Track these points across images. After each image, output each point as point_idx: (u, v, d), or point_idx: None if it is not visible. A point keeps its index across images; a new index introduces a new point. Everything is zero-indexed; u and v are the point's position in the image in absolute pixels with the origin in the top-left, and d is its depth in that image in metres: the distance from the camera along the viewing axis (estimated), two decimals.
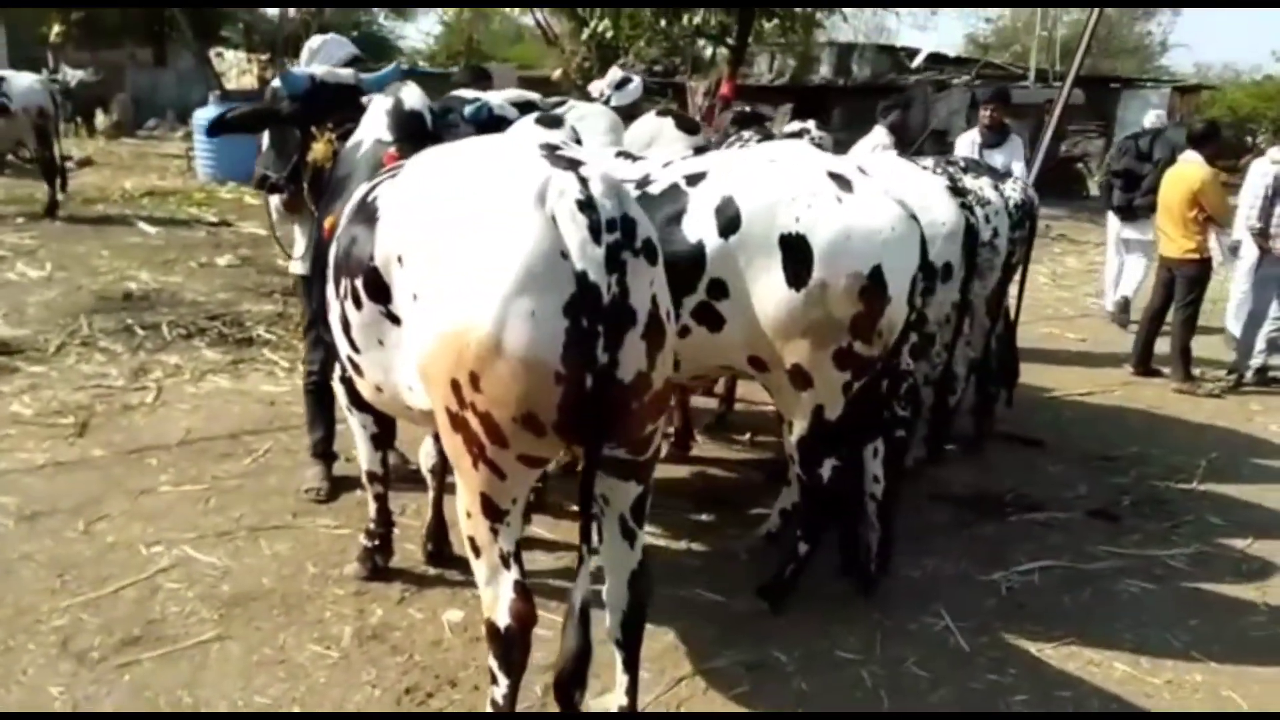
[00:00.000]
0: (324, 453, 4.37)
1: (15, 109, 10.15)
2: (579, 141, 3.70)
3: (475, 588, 3.22)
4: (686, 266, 3.14)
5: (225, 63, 26.85)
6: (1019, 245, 5.29)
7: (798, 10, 18.79)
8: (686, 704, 2.98)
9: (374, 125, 3.19)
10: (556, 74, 22.16)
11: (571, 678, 2.31)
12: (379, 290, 2.42)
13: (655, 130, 4.71)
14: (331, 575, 3.61)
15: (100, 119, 20.21)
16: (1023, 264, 5.38)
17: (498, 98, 4.64)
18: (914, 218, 3.20)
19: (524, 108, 4.47)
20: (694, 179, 3.27)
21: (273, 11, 24.33)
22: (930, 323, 4.40)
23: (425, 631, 3.28)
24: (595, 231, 2.03)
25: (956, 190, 4.19)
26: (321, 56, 4.01)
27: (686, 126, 4.71)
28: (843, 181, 3.13)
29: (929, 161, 4.89)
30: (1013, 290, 5.37)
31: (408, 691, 2.94)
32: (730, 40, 18.45)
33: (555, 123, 3.71)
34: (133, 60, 25.91)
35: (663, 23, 17.47)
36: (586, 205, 2.04)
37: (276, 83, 3.53)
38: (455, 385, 2.14)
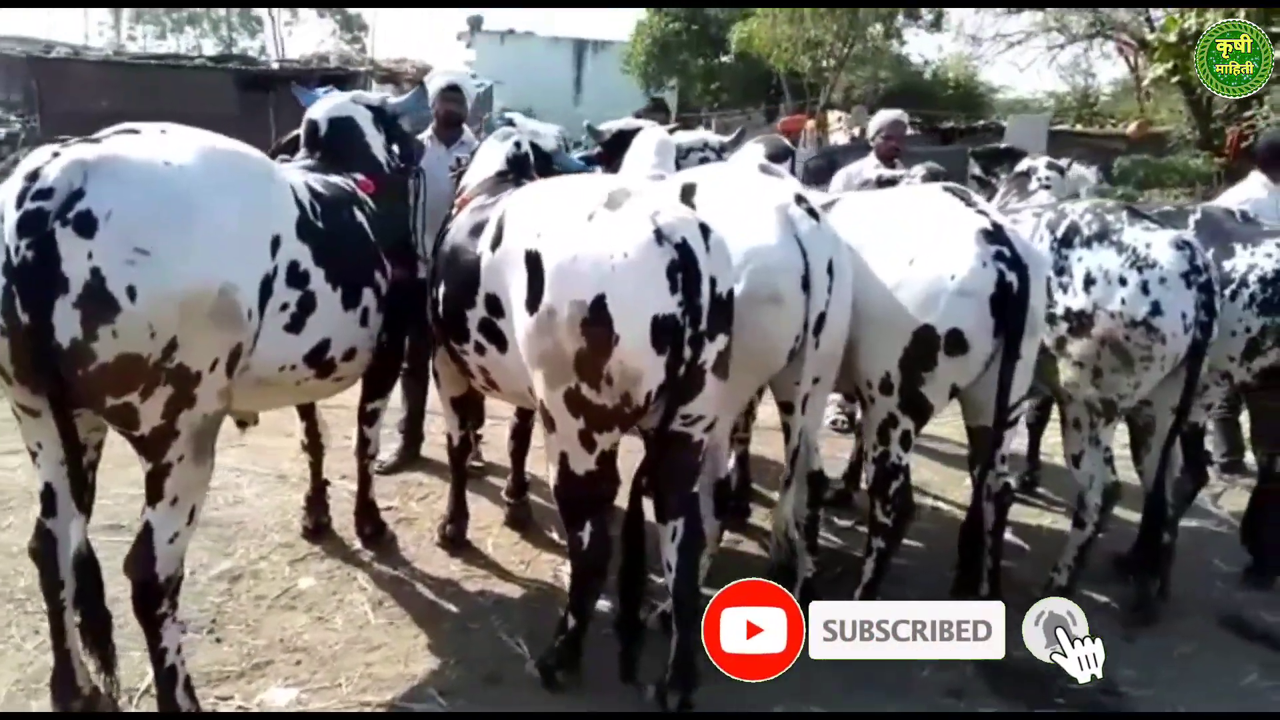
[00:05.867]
0: (405, 430, 5.04)
1: None
2: (536, 154, 3.80)
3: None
4: (466, 278, 3.00)
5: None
6: (1272, 337, 3.59)
7: None
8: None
9: None
10: (1132, 128, 19.63)
11: (86, 630, 2.62)
12: None
13: (748, 157, 4.36)
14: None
15: None
16: None
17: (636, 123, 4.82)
18: (683, 245, 2.55)
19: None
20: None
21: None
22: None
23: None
24: (20, 199, 2.22)
25: (995, 237, 3.08)
26: (433, 85, 4.69)
27: (775, 153, 4.27)
28: (615, 198, 2.66)
29: (1082, 204, 3.61)
30: None
31: None
32: None
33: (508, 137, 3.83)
34: (748, 120, 29.55)
35: None
36: (30, 176, 2.24)
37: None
38: None
